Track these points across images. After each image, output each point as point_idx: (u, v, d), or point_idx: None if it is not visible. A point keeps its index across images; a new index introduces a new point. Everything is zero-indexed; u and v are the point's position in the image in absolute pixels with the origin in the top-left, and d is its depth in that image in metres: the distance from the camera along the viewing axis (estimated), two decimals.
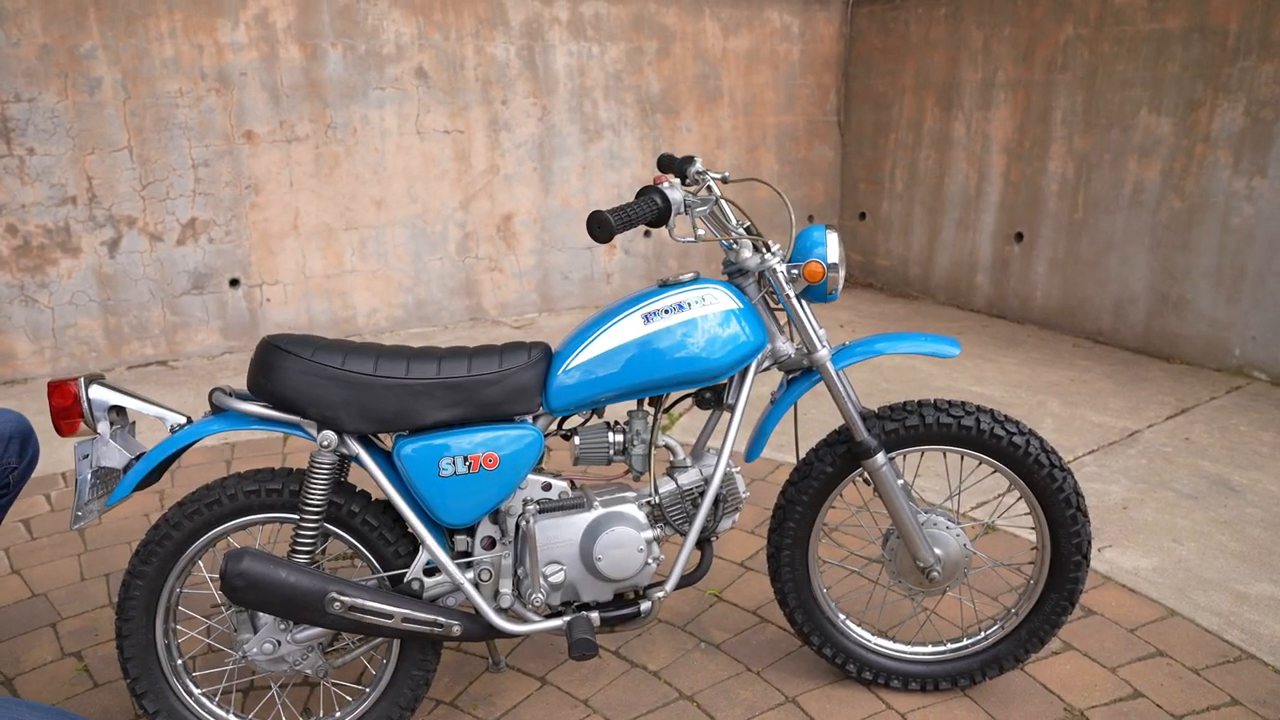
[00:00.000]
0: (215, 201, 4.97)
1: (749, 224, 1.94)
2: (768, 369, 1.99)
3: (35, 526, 3.11)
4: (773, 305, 1.97)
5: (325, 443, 1.73)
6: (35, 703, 1.73)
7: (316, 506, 1.76)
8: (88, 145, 4.63)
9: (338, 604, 1.70)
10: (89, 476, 1.78)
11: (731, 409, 1.93)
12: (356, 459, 1.76)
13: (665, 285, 1.86)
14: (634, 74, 5.91)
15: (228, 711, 1.92)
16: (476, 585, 1.84)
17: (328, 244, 5.33)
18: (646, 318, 1.81)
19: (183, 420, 1.81)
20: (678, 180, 1.80)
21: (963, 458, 2.03)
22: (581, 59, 5.75)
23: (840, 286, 1.90)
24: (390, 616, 1.74)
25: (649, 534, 1.84)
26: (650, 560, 1.85)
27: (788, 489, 2.04)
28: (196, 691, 1.90)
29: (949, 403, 1.96)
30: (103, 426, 1.78)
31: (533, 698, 2.16)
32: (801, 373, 2.00)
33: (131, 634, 1.83)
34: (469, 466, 1.76)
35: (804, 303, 1.92)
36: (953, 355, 1.91)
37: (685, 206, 1.80)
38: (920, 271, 6.14)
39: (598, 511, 1.84)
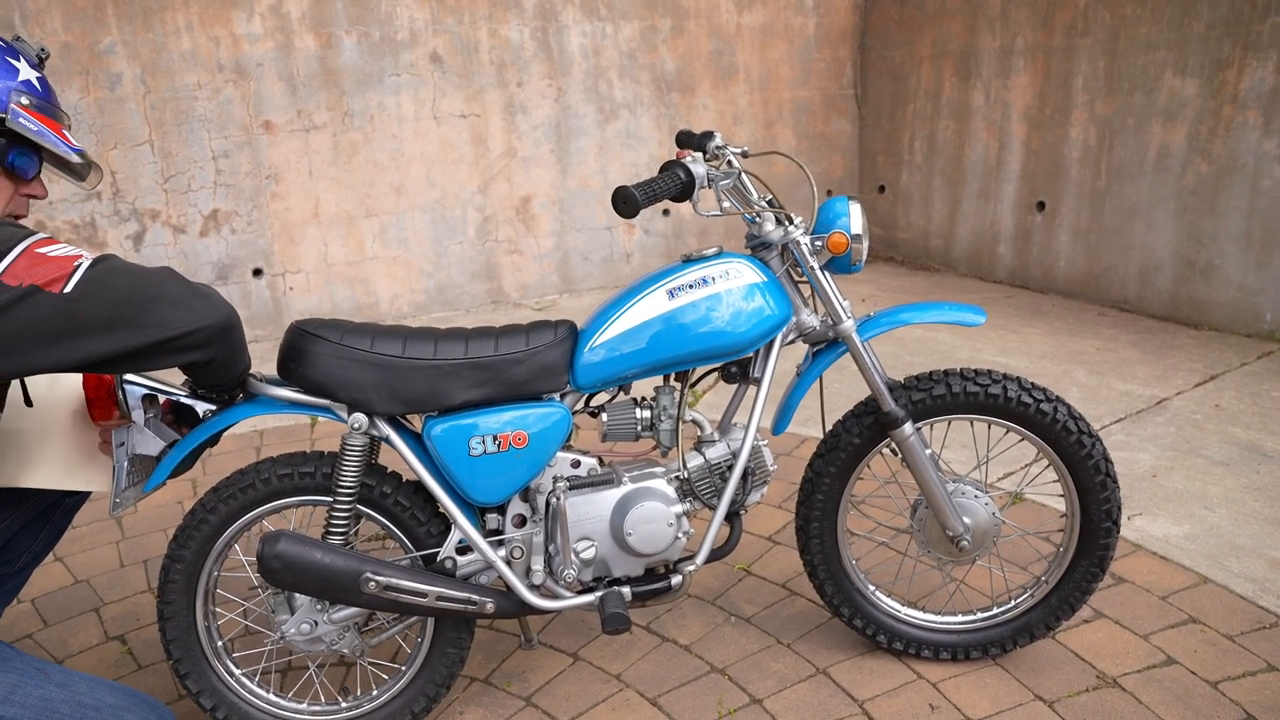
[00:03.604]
0: (236, 192, 5.01)
1: (771, 197, 1.94)
2: (793, 342, 1.99)
3: (76, 516, 3.17)
4: (796, 278, 1.97)
5: (356, 425, 1.75)
6: (113, 683, 1.78)
7: (349, 488, 1.78)
8: (110, 140, 4.67)
9: (373, 584, 1.73)
10: (125, 464, 1.81)
11: (758, 383, 1.93)
12: (387, 440, 1.79)
13: (689, 260, 1.87)
14: (648, 52, 5.88)
15: (267, 690, 1.96)
16: (508, 563, 1.86)
17: (349, 231, 5.36)
18: (671, 293, 1.82)
19: (213, 408, 1.84)
20: (700, 157, 1.80)
21: (990, 426, 2.03)
22: (596, 39, 5.73)
23: (864, 258, 1.90)
24: (424, 595, 1.76)
25: (678, 508, 1.85)
26: (680, 534, 1.86)
27: (815, 461, 2.05)
28: (237, 672, 1.94)
29: (975, 371, 1.95)
30: (137, 415, 1.81)
31: (565, 674, 2.19)
32: (827, 345, 2.00)
33: (173, 616, 1.87)
34: (498, 445, 1.78)
35: (828, 275, 1.91)
36: (978, 324, 1.90)
37: (709, 180, 1.80)
38: (941, 243, 6.10)
39: (627, 487, 1.85)
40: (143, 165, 4.76)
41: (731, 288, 1.83)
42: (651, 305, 1.82)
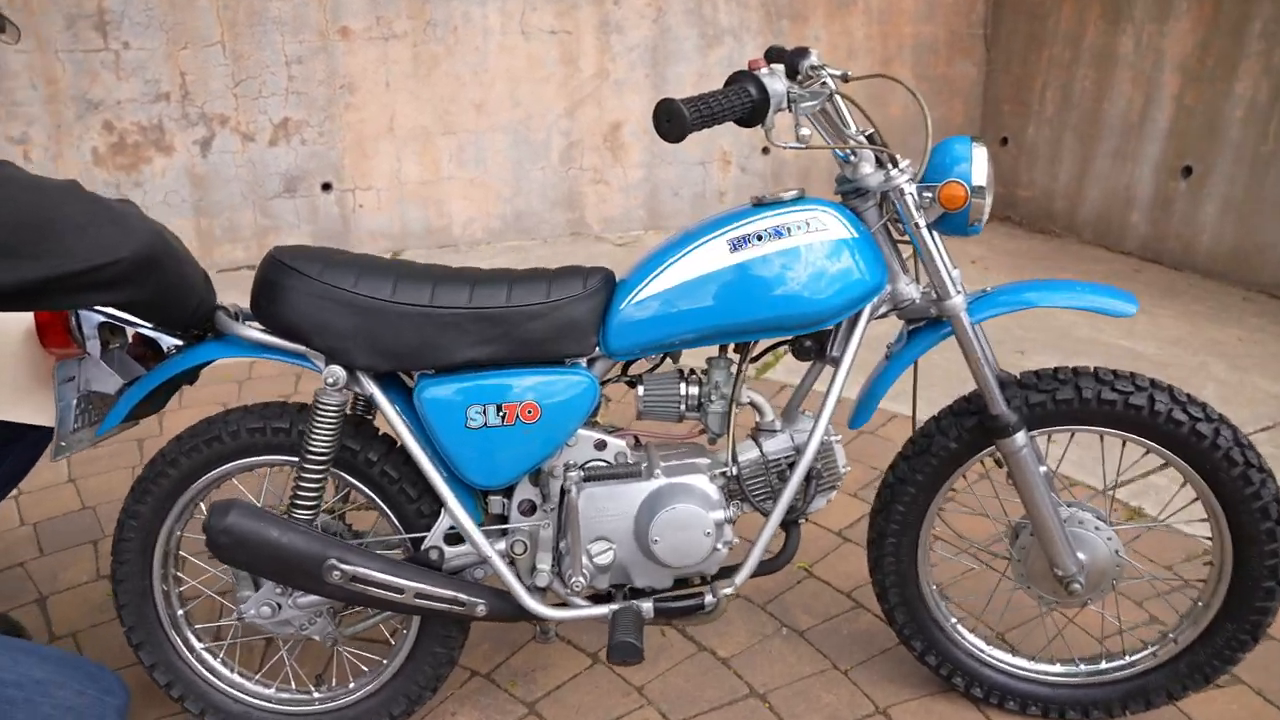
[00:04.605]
0: (308, 101, 4.75)
1: (872, 131, 1.53)
2: (884, 315, 1.60)
3: None
4: (896, 236, 1.57)
5: (330, 380, 1.44)
6: (48, 649, 1.54)
7: (320, 454, 1.48)
8: (181, 40, 4.45)
9: (337, 573, 1.44)
10: (74, 401, 1.56)
11: (836, 363, 1.55)
12: (371, 399, 1.48)
13: (761, 204, 1.48)
14: None
15: (231, 670, 1.70)
16: (509, 559, 1.55)
17: (424, 148, 5.07)
18: (735, 244, 1.44)
19: (179, 343, 1.56)
20: (780, 70, 1.39)
21: (1125, 443, 1.61)
22: None
23: (986, 216, 1.49)
24: (400, 591, 1.46)
25: (719, 514, 1.50)
26: (720, 545, 1.51)
27: (900, 464, 1.66)
28: (198, 646, 1.69)
29: (1113, 373, 1.53)
30: (92, 345, 1.55)
31: (580, 678, 1.88)
32: (927, 323, 1.59)
33: (126, 579, 1.63)
34: (503, 418, 1.45)
35: (937, 235, 1.51)
36: (1128, 314, 1.48)
37: (789, 101, 1.40)
38: (1066, 205, 5.48)
39: (659, 482, 1.51)
40: (213, 68, 4.53)
41: (812, 242, 1.44)
42: (708, 257, 1.45)
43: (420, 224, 5.19)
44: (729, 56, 5.43)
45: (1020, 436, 1.52)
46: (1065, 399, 1.53)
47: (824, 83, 1.50)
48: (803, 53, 1.66)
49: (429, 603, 1.48)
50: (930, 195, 1.47)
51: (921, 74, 5.83)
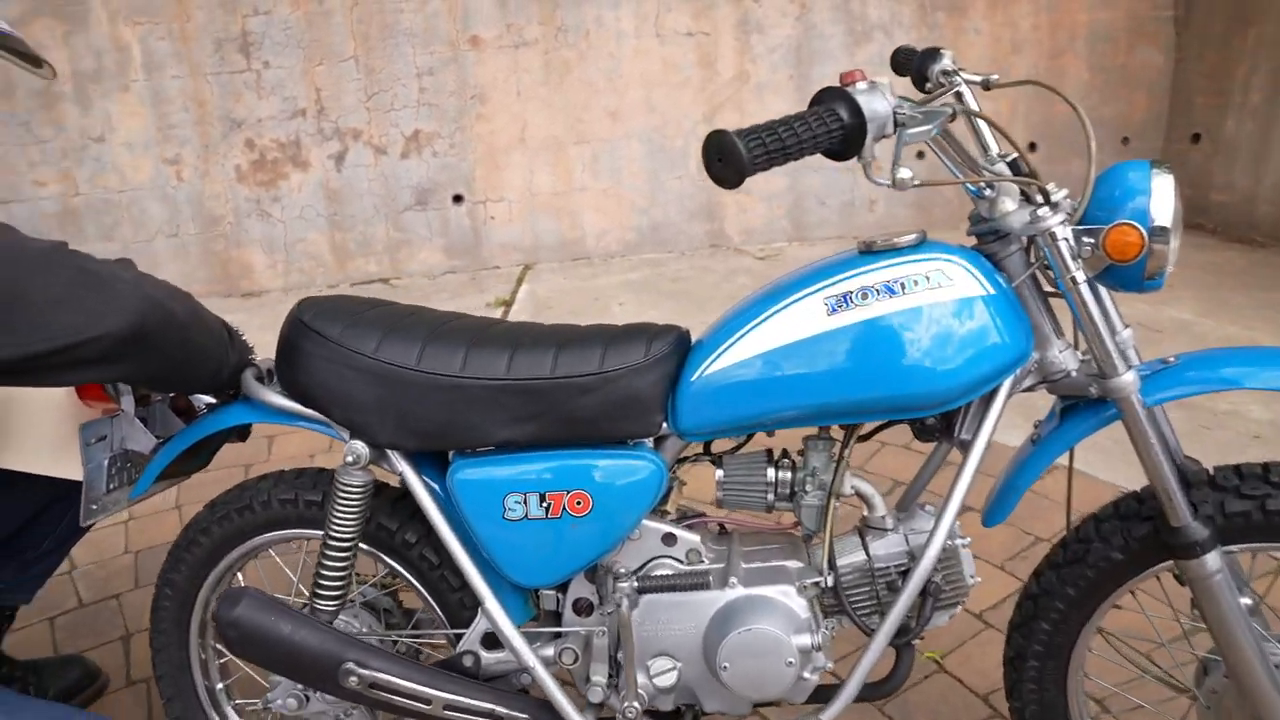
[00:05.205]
0: (439, 112, 4.70)
1: (1015, 155, 1.20)
2: (1031, 389, 1.26)
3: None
4: (1048, 288, 1.24)
5: (350, 458, 1.24)
6: (42, 702, 1.44)
7: (342, 539, 1.29)
8: (316, 56, 4.48)
9: (354, 678, 1.24)
10: (104, 462, 1.44)
11: (965, 448, 1.23)
12: (402, 478, 1.28)
13: (871, 251, 1.19)
14: None
15: None
16: (556, 669, 1.31)
17: (556, 158, 4.93)
18: (833, 304, 1.15)
19: (212, 401, 1.41)
20: (886, 84, 1.08)
21: None
22: None
23: (1169, 266, 1.14)
24: (428, 702, 1.25)
25: (805, 640, 1.21)
26: (807, 674, 1.22)
27: (1046, 573, 1.33)
28: None
29: None
30: (126, 401, 1.42)
31: None
32: (1088, 401, 1.25)
33: (164, 649, 1.51)
34: (547, 509, 1.22)
35: (1102, 292, 1.17)
36: None
37: (895, 124, 1.09)
38: (1272, 211, 4.77)
39: (733, 593, 1.23)
40: (346, 82, 4.55)
41: (933, 302, 1.13)
42: (800, 319, 1.16)
43: (553, 236, 5.06)
44: (879, 54, 5.02)
45: (1212, 559, 1.16)
46: (1278, 509, 1.16)
47: (958, 94, 1.19)
48: (933, 55, 1.35)
49: (462, 715, 1.27)
50: (1093, 241, 1.13)
51: (1098, 65, 5.23)
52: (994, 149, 1.23)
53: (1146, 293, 1.17)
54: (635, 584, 1.22)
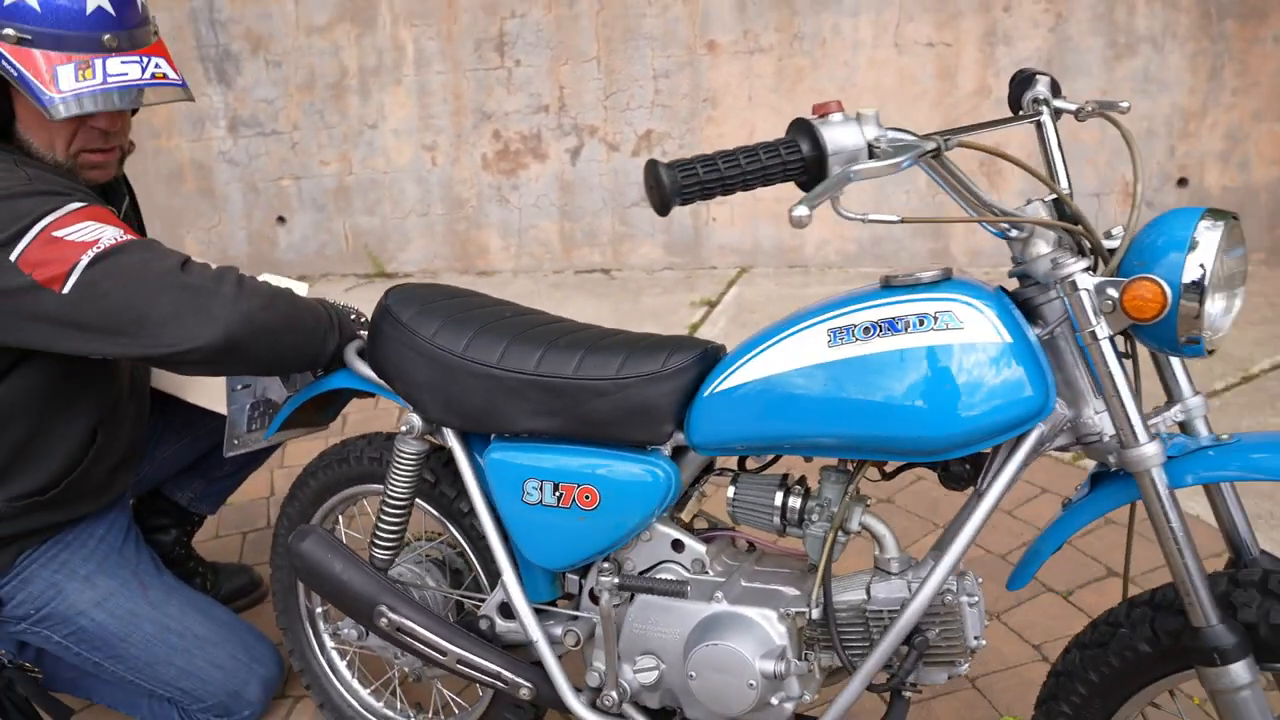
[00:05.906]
0: (672, 114, 4.88)
1: (1055, 194, 1.13)
2: (1064, 449, 1.19)
3: None
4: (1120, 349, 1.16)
5: (405, 427, 1.41)
6: (221, 611, 1.74)
7: (398, 498, 1.47)
8: (562, 56, 4.80)
9: (384, 620, 1.41)
10: (247, 405, 1.71)
11: (979, 498, 1.19)
12: (451, 452, 1.42)
13: (890, 286, 1.17)
14: None
15: (353, 676, 1.78)
16: (559, 647, 1.40)
17: None
18: (835, 335, 1.15)
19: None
20: (872, 115, 1.05)
21: None
22: None
23: (1208, 330, 1.03)
24: (443, 653, 1.39)
25: (770, 665, 1.21)
26: (774, 700, 1.23)
27: (1071, 652, 1.24)
28: (330, 644, 1.79)
29: None
30: None
31: None
32: (1122, 471, 1.15)
33: (278, 569, 1.78)
34: (558, 498, 1.32)
35: (1128, 353, 1.08)
36: None
37: (871, 154, 1.04)
38: None
39: (718, 608, 1.26)
40: (587, 82, 4.83)
41: (937, 343, 1.10)
42: (803, 347, 1.17)
43: (772, 242, 5.09)
44: (1143, 69, 4.59)
45: (1239, 670, 1.03)
46: None
47: (913, 144, 1.09)
48: (1029, 80, 1.30)
49: (472, 672, 1.40)
50: (1115, 295, 1.04)
51: None
52: (1064, 185, 1.17)
53: (1190, 358, 1.06)
54: (617, 580, 1.29)
